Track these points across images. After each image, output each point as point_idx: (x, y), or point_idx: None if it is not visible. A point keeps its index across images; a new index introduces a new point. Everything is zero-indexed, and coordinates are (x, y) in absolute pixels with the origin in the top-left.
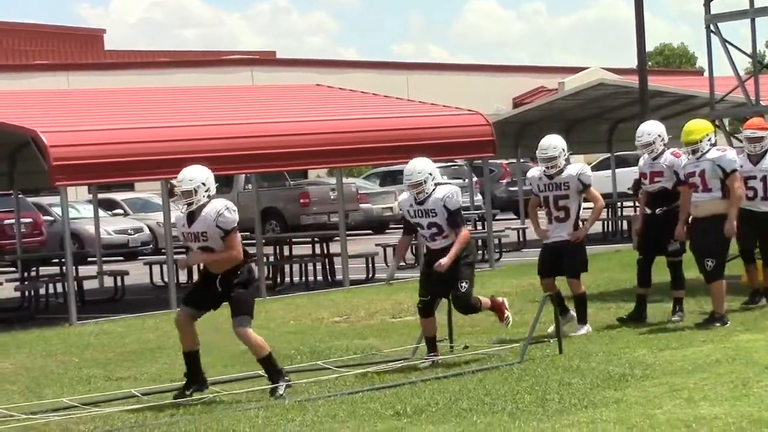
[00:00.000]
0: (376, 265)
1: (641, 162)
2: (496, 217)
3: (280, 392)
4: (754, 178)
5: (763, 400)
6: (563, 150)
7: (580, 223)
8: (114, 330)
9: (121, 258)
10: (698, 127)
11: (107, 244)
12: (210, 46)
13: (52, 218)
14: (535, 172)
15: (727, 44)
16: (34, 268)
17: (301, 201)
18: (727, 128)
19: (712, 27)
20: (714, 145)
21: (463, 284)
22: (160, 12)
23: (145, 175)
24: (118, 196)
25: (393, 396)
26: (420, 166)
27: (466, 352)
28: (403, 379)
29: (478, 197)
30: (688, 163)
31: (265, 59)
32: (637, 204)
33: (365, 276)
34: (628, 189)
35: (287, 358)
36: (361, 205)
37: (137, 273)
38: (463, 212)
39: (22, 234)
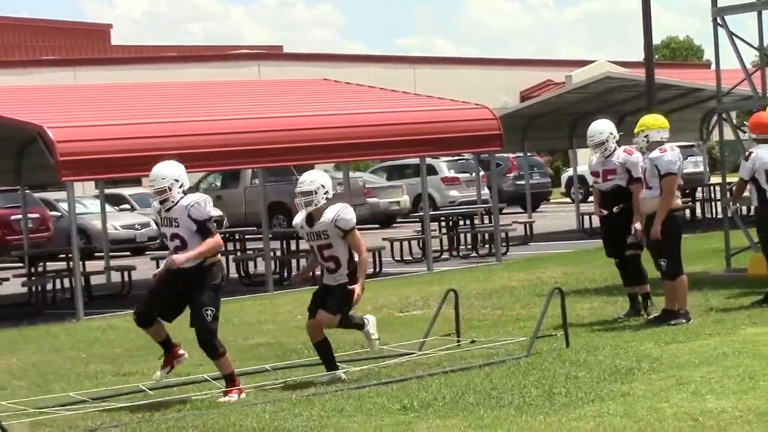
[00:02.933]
0: (383, 259)
1: (593, 161)
2: (503, 211)
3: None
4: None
5: None
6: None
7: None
8: (121, 325)
9: (128, 253)
10: (641, 122)
11: (114, 240)
12: (215, 39)
13: (59, 214)
14: (296, 219)
15: (733, 37)
16: (41, 264)
17: None
18: (734, 121)
19: (719, 20)
20: (657, 143)
21: (208, 312)
22: (165, 5)
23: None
24: (125, 192)
25: (400, 390)
26: (164, 170)
27: (473, 346)
28: (409, 373)
29: (485, 191)
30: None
31: (272, 53)
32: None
33: (372, 270)
34: None
35: (294, 352)
36: (368, 200)
37: (144, 268)
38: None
39: (29, 229)
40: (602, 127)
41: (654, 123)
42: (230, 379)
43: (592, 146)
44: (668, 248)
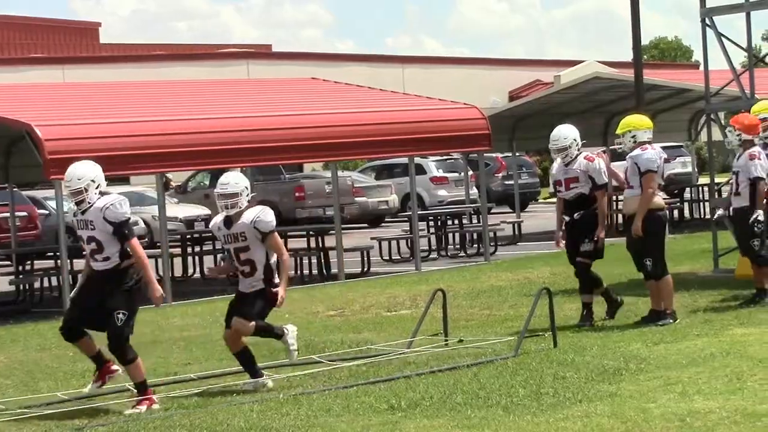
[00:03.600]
0: (371, 258)
1: (554, 168)
2: (492, 211)
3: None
4: (736, 173)
5: (757, 393)
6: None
7: None
8: None
9: None
10: (623, 122)
11: None
12: (203, 38)
13: (47, 212)
14: (214, 221)
15: (722, 38)
16: (28, 262)
17: (297, 194)
18: (722, 122)
19: (707, 20)
20: (638, 143)
21: (119, 315)
22: (153, 4)
23: (141, 168)
24: (113, 190)
25: (387, 390)
26: (80, 171)
27: (460, 346)
28: (397, 372)
29: (474, 191)
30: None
31: (261, 52)
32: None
33: (360, 270)
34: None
35: (282, 351)
36: (356, 199)
37: None
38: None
39: (17, 228)
40: (567, 132)
41: (641, 123)
42: (141, 388)
43: (554, 150)
44: (652, 248)
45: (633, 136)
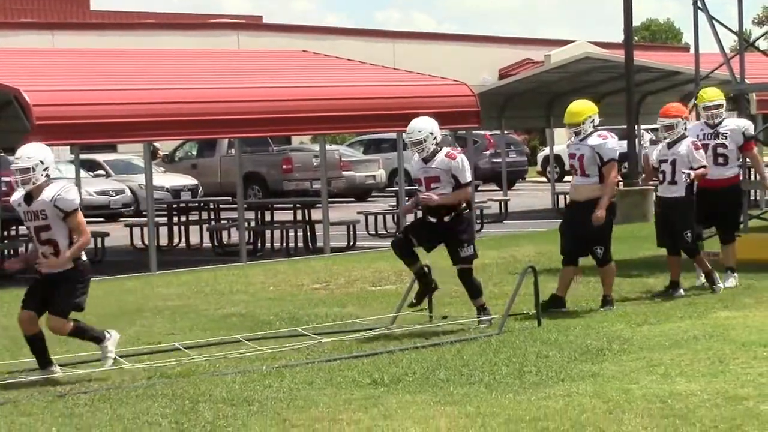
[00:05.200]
0: (357, 232)
1: (413, 165)
2: (479, 188)
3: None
4: (666, 161)
5: (739, 377)
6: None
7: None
8: (93, 292)
9: (102, 219)
10: (582, 108)
11: (88, 205)
12: (194, 7)
13: None
14: (14, 197)
15: (713, 21)
16: (13, 228)
17: (284, 167)
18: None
19: (699, 3)
20: (596, 128)
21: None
22: None
23: (128, 136)
24: (101, 157)
25: (370, 364)
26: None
27: (444, 322)
28: (380, 347)
29: None
30: (571, 144)
31: (252, 24)
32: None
33: (346, 243)
34: None
35: (266, 324)
36: (344, 173)
37: (118, 235)
38: None
39: (2, 192)
40: (422, 125)
41: (593, 108)
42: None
43: (410, 144)
44: (605, 235)
45: (592, 121)
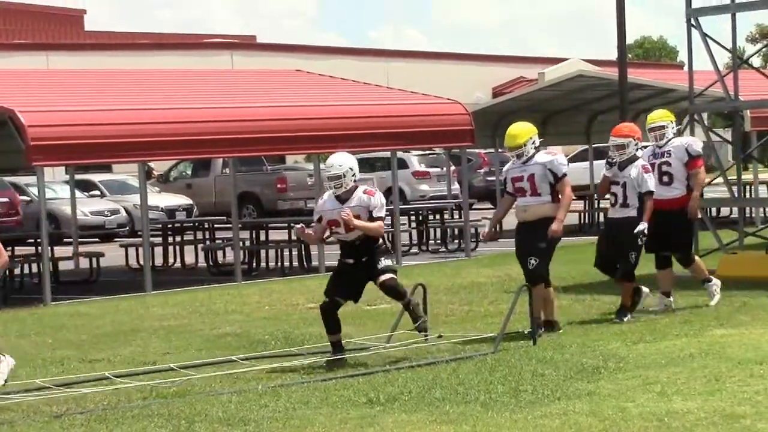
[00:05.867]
0: None
1: (325, 204)
2: (473, 207)
3: None
4: (617, 183)
5: (736, 395)
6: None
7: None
8: (88, 312)
9: (97, 239)
10: (522, 130)
11: (83, 225)
12: (185, 26)
13: (29, 198)
14: None
15: (707, 39)
16: (9, 248)
17: (279, 186)
18: (706, 123)
19: (693, 21)
20: (538, 149)
21: None
22: None
23: (123, 157)
24: (96, 178)
25: (366, 383)
26: None
27: (440, 341)
28: (376, 366)
29: (456, 186)
30: (513, 167)
31: (246, 43)
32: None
33: None
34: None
35: (261, 343)
36: None
37: (113, 255)
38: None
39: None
40: (342, 160)
41: (534, 129)
42: None
43: (327, 179)
44: (546, 249)
45: (533, 142)
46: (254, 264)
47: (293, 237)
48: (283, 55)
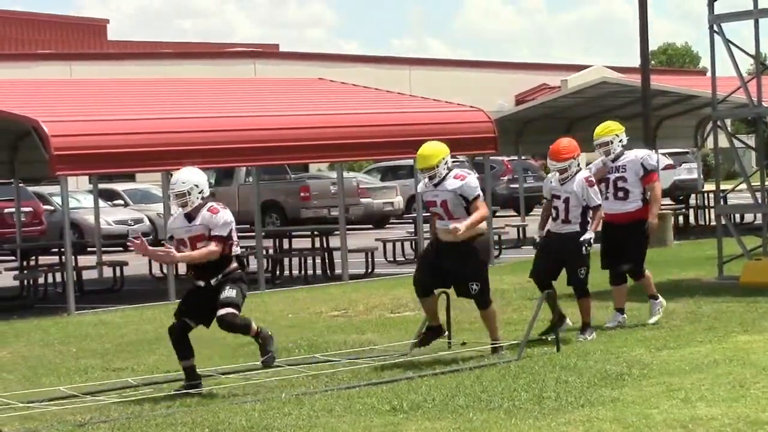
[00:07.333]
0: (375, 259)
1: (175, 221)
2: (497, 214)
3: None
4: (559, 198)
5: (760, 401)
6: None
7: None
8: (112, 320)
9: (121, 248)
10: (434, 150)
11: (107, 235)
12: (207, 36)
13: (53, 208)
14: None
15: (730, 45)
16: (33, 257)
17: (302, 194)
18: (729, 129)
19: (715, 27)
20: (450, 169)
21: None
22: (158, 1)
23: (146, 166)
24: (119, 187)
25: (389, 391)
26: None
27: (463, 349)
28: (400, 374)
29: None
30: (426, 191)
31: (268, 52)
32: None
33: (364, 271)
34: None
35: (285, 351)
36: (361, 200)
37: (136, 264)
38: None
39: (22, 223)
40: (186, 177)
41: (446, 149)
42: None
43: (172, 197)
44: (482, 271)
45: (446, 163)
46: (277, 272)
47: (317, 245)
48: (305, 63)
